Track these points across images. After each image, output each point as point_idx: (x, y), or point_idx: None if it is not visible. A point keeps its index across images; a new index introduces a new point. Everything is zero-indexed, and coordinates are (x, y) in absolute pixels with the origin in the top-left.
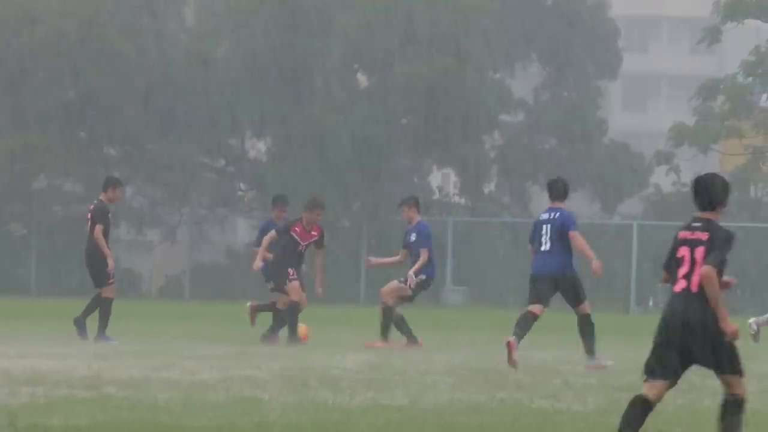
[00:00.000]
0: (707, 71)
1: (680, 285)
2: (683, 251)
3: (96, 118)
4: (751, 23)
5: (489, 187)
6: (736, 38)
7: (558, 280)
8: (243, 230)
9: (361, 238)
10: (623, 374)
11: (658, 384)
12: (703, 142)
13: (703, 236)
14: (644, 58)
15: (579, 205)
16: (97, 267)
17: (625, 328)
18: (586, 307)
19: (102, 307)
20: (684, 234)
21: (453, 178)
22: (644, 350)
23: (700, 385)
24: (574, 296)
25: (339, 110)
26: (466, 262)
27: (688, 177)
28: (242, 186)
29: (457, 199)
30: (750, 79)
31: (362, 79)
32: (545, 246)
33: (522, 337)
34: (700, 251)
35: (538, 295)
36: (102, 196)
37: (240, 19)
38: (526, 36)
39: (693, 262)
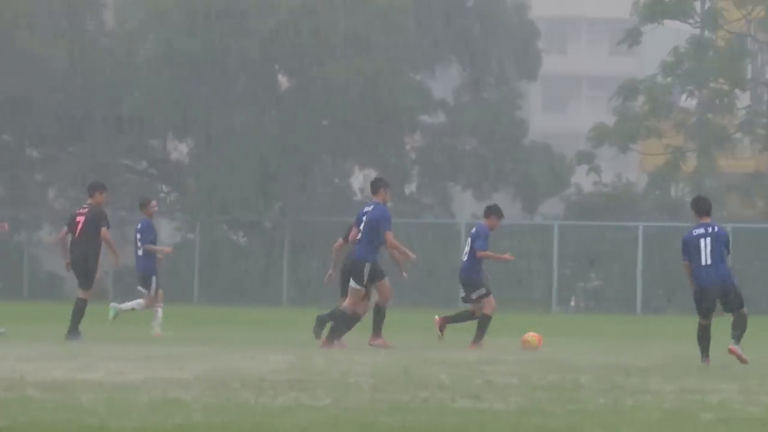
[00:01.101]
0: (627, 72)
1: None
2: None
3: (18, 121)
4: (671, 24)
5: (410, 188)
6: (656, 39)
7: (723, 289)
8: (166, 231)
9: (283, 238)
10: (545, 374)
11: None
12: (623, 142)
13: None
14: (564, 59)
15: (500, 205)
16: (88, 268)
17: (546, 328)
18: (744, 309)
19: (79, 306)
20: None
21: None
22: (566, 350)
23: (622, 384)
24: (737, 303)
25: (260, 112)
26: (386, 264)
27: (608, 177)
28: (164, 188)
29: None
30: (669, 79)
31: (283, 80)
32: (706, 260)
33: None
34: None
35: (708, 308)
36: (90, 200)
37: (160, 21)
38: (446, 37)
39: None
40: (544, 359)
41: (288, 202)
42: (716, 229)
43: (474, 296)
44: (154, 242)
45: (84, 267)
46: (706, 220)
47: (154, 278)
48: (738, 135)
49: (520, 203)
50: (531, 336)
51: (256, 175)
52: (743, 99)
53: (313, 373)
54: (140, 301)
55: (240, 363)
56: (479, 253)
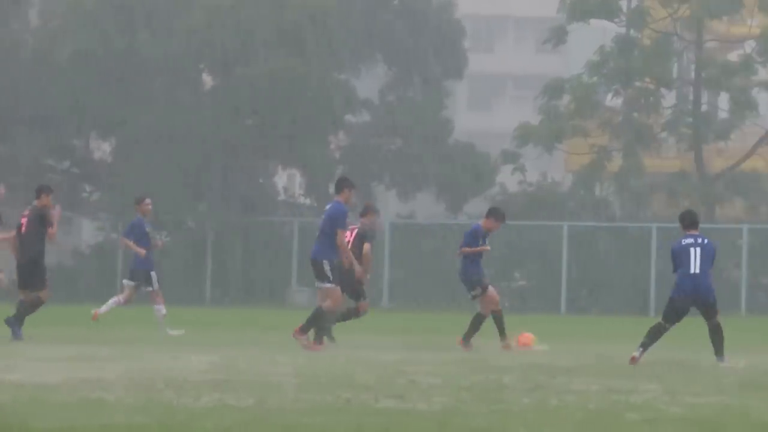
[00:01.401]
0: (553, 71)
1: None
2: None
3: None
4: (597, 23)
5: (334, 188)
6: (582, 38)
7: (702, 301)
8: (88, 231)
9: (207, 238)
10: (469, 374)
11: None
12: (548, 142)
13: None
14: (490, 57)
15: (424, 205)
16: (37, 270)
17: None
18: (718, 318)
19: (33, 303)
20: None
21: (298, 178)
22: (490, 350)
23: (546, 384)
24: (712, 313)
25: (184, 111)
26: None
27: (533, 176)
28: (87, 187)
29: (302, 199)
30: (595, 78)
31: (207, 79)
32: (695, 269)
33: (649, 347)
34: None
35: (677, 318)
36: (36, 202)
37: (84, 19)
38: (371, 36)
39: None
40: (468, 359)
41: (211, 202)
42: (705, 241)
43: (472, 294)
44: (139, 240)
45: (32, 268)
46: (694, 231)
47: (152, 273)
48: (663, 134)
49: (445, 203)
50: (526, 337)
51: (179, 175)
52: (669, 98)
53: (236, 374)
54: (159, 308)
55: (163, 363)
56: (459, 251)
